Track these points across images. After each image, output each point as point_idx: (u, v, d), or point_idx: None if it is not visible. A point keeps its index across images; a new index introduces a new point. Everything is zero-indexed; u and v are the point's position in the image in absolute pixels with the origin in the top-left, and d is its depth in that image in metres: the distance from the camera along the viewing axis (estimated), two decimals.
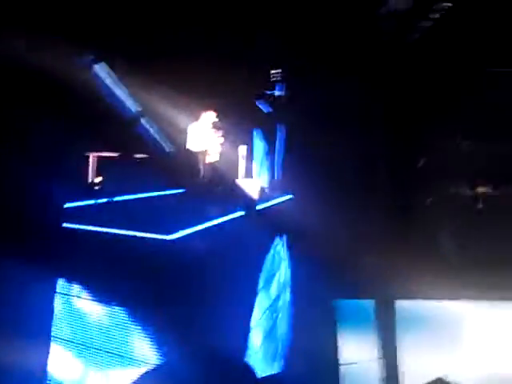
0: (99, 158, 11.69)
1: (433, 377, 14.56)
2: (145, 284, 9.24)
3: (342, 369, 14.47)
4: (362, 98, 15.11)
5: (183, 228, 9.44)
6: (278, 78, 13.88)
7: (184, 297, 9.06)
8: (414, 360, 15.01)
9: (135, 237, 9.29)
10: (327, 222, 12.59)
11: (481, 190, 16.81)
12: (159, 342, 9.32)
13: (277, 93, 13.78)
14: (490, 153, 16.40)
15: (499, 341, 14.67)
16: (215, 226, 10.14)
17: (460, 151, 16.36)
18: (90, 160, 11.53)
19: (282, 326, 12.26)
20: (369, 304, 14.91)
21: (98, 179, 11.21)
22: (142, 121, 12.27)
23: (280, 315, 12.07)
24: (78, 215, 10.20)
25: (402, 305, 15.34)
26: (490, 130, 16.06)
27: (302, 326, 12.50)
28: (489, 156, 16.35)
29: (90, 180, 11.61)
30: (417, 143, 16.14)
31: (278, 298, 12.06)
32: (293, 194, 13.07)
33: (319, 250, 12.48)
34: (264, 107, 13.65)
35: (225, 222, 10.48)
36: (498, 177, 16.39)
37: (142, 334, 9.15)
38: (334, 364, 14.04)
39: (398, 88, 15.63)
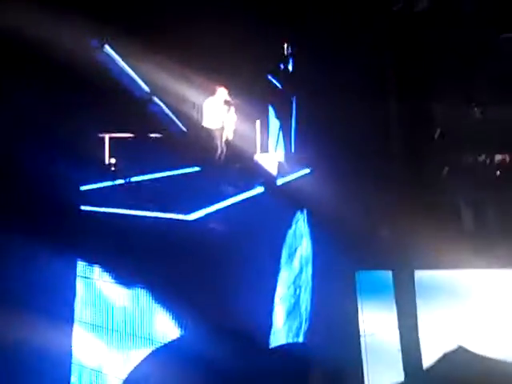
0: (114, 138, 11.39)
1: (453, 345, 14.37)
2: (166, 265, 8.99)
3: (363, 339, 14.32)
4: (374, 69, 14.77)
5: (203, 207, 9.17)
6: (291, 52, 13.52)
7: (206, 277, 8.82)
8: (434, 329, 14.87)
9: (155, 218, 9.02)
10: (345, 195, 12.33)
11: (498, 157, 16.48)
12: (181, 323, 9.09)
13: (290, 67, 13.42)
14: (506, 119, 16.07)
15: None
16: (235, 204, 9.86)
17: (476, 119, 16.03)
18: (106, 141, 11.22)
19: (305, 302, 12.00)
20: (389, 275, 14.73)
21: (114, 160, 10.92)
22: (155, 99, 11.94)
23: (303, 290, 11.80)
24: (96, 197, 9.94)
25: (421, 275, 15.17)
26: (505, 97, 15.72)
27: (323, 299, 12.27)
28: (505, 123, 16.02)
29: (105, 161, 11.32)
30: (432, 112, 15.79)
31: (300, 273, 11.79)
32: (310, 167, 12.75)
33: (338, 223, 12.22)
34: (278, 82, 13.29)
35: (244, 199, 10.20)
36: None
37: (165, 315, 8.91)
38: (355, 335, 13.88)
39: (411, 57, 15.27)
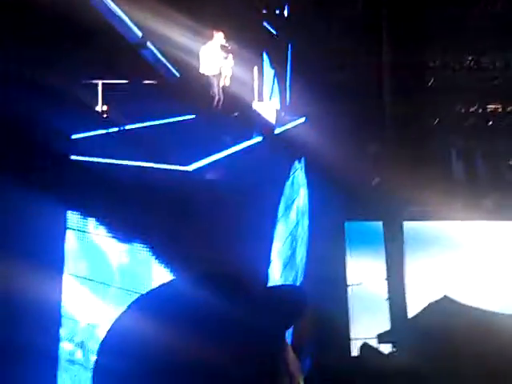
0: (107, 85, 10.69)
1: (439, 295, 14.29)
2: (164, 217, 8.43)
3: (350, 289, 14.22)
4: (370, 18, 14.35)
5: (202, 157, 8.56)
6: None
7: (205, 230, 8.26)
8: (421, 279, 14.80)
9: (152, 168, 8.40)
10: (337, 145, 11.94)
11: (491, 106, 16.15)
12: (180, 277, 8.55)
13: (286, 13, 12.78)
14: (499, 69, 15.73)
15: (504, 260, 14.42)
16: (234, 153, 9.26)
17: (468, 68, 15.66)
18: (98, 88, 10.51)
19: (301, 253, 11.57)
20: (378, 226, 14.58)
21: (106, 108, 10.22)
22: (149, 45, 11.24)
23: (299, 242, 11.34)
24: (88, 147, 9.29)
25: (409, 226, 15.05)
26: (497, 46, 15.37)
27: (312, 248, 11.97)
28: (498, 72, 15.67)
29: (97, 109, 10.63)
30: (425, 61, 15.38)
31: (297, 224, 11.31)
32: (305, 116, 12.23)
33: (329, 173, 11.85)
34: (273, 29, 12.66)
35: (243, 149, 9.60)
36: (508, 94, 15.73)
37: (163, 270, 8.36)
38: (342, 284, 13.72)
39: (405, 7, 14.82)
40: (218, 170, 8.62)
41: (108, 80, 10.63)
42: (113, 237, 8.56)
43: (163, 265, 8.31)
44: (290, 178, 10.99)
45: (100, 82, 10.54)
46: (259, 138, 10.27)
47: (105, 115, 10.26)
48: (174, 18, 10.84)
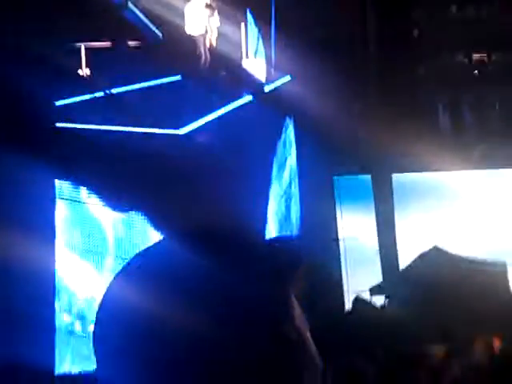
0: (90, 48, 10.23)
1: (429, 246, 14.24)
2: (157, 182, 8.13)
3: (342, 243, 14.13)
4: None
5: (192, 120, 8.24)
6: None
7: (201, 195, 7.99)
8: (411, 231, 14.74)
9: (143, 133, 8.07)
10: (325, 100, 11.70)
11: (476, 56, 15.88)
12: (176, 242, 8.29)
13: None
14: (484, 20, 15.46)
15: (495, 211, 14.32)
16: (224, 115, 8.92)
17: (454, 19, 15.38)
18: (81, 52, 10.04)
19: (296, 212, 11.33)
20: (366, 179, 14.43)
21: (89, 72, 9.76)
22: (130, 5, 10.77)
23: (293, 201, 11.09)
24: (74, 112, 8.91)
25: (398, 178, 14.89)
26: None
27: (303, 205, 11.78)
28: (483, 23, 15.41)
29: (81, 73, 10.20)
30: (409, 12, 15.08)
31: (290, 183, 11.04)
32: (291, 74, 11.90)
33: (318, 129, 11.63)
34: None
35: (234, 109, 9.25)
36: (493, 44, 15.45)
37: (160, 237, 8.08)
38: (334, 239, 13.63)
39: None
40: (209, 132, 8.31)
41: (91, 44, 10.19)
42: (106, 205, 8.25)
43: (159, 230, 8.03)
44: (282, 137, 10.69)
45: (83, 46, 10.09)
46: (249, 97, 9.92)
47: (89, 80, 9.85)
48: None
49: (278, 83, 11.35)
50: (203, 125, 8.21)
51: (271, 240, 1.84)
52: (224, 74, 10.30)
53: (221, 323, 1.43)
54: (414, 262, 14.21)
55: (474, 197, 14.38)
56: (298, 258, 1.65)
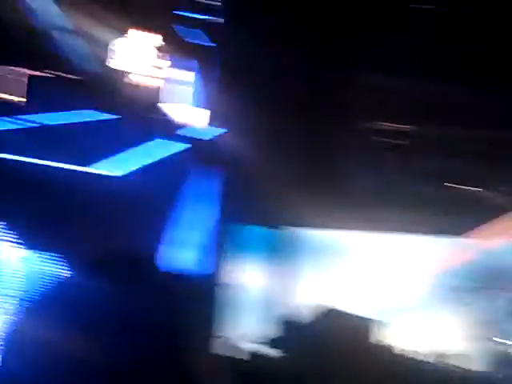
0: (20, 75, 9.54)
1: (324, 306, 14.21)
2: (81, 227, 7.44)
3: (231, 293, 13.86)
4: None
5: (127, 162, 7.65)
6: None
7: (129, 250, 7.35)
8: (301, 288, 14.65)
9: (73, 171, 7.40)
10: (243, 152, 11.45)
11: (388, 126, 16.10)
12: (96, 291, 7.60)
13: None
14: (401, 90, 15.67)
15: (386, 274, 14.39)
16: (158, 161, 8.38)
17: (370, 87, 15.53)
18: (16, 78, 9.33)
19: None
20: (263, 231, 14.28)
21: (25, 99, 9.06)
22: (56, 34, 10.15)
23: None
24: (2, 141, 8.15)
25: (296, 233, 14.79)
26: (402, 67, 15.32)
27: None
28: (400, 93, 15.62)
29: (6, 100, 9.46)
30: (329, 76, 15.06)
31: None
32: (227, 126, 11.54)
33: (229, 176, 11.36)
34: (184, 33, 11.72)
35: (169, 156, 8.73)
36: (407, 114, 15.66)
37: (80, 287, 7.35)
38: (223, 289, 13.28)
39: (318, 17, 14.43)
40: (143, 176, 7.75)
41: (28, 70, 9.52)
42: (17, 243, 7.49)
43: (78, 281, 7.32)
44: (207, 185, 10.22)
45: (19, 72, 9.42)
46: (186, 145, 9.43)
47: (17, 108, 9.14)
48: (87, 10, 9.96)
49: (216, 132, 10.97)
50: (139, 168, 7.65)
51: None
52: (164, 116, 9.83)
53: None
54: (310, 322, 14.12)
55: (373, 260, 14.50)
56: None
